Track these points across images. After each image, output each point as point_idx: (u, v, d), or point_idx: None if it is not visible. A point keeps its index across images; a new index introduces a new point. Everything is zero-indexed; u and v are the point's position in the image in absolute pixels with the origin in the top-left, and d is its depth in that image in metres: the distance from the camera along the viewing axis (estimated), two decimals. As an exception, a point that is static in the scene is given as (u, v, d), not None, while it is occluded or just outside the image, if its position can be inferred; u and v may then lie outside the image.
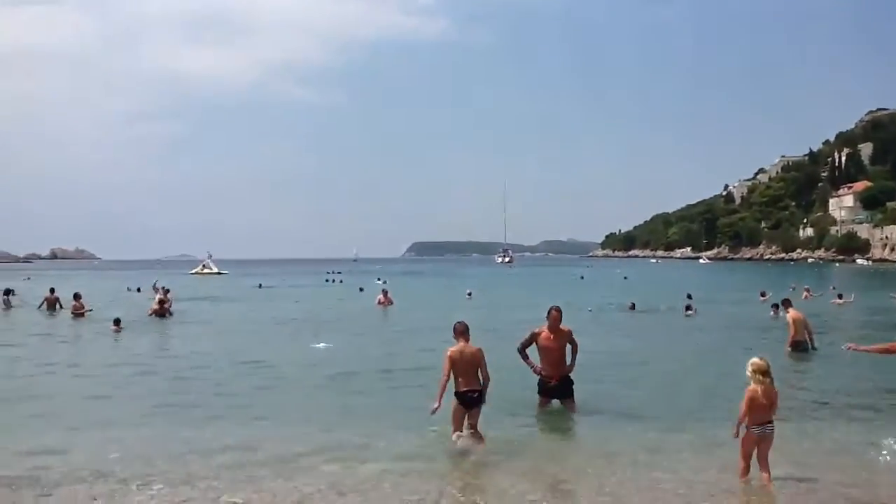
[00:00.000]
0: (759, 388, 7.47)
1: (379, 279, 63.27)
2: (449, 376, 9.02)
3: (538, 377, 11.00)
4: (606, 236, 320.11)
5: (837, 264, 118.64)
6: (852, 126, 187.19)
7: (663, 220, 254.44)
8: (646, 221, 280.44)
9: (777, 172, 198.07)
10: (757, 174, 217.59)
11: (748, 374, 7.56)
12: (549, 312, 10.90)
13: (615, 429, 10.24)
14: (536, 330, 10.95)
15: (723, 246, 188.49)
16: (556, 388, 10.94)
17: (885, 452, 8.75)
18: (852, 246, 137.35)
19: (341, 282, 66.24)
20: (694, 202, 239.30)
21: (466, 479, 8.07)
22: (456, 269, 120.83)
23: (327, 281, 67.64)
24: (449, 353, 9.12)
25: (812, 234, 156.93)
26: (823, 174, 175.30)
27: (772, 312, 25.97)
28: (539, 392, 11.09)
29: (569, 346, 10.93)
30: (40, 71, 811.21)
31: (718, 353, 18.10)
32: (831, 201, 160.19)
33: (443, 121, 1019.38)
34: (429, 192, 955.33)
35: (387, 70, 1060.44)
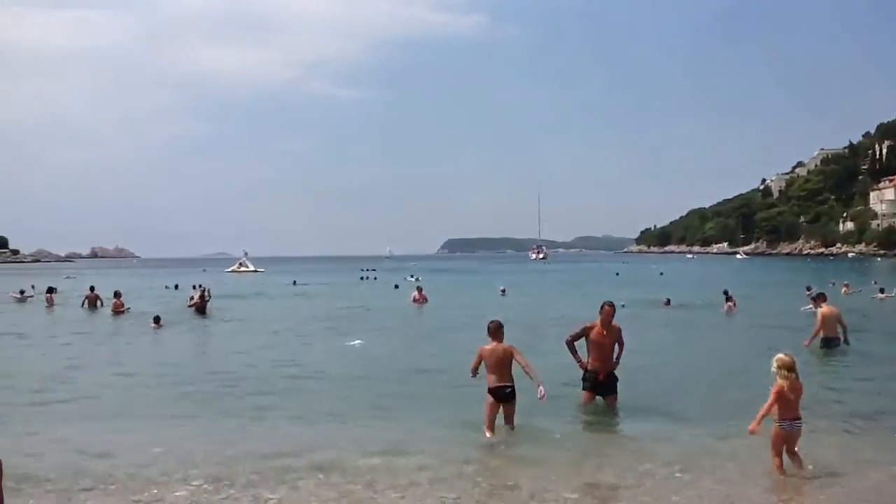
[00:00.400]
0: (785, 384, 7.52)
1: (412, 276, 63.41)
2: (476, 369, 9.42)
3: (584, 372, 10.94)
4: (641, 232, 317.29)
5: (879, 259, 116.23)
6: (893, 117, 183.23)
7: (699, 216, 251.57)
8: (681, 217, 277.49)
9: (816, 165, 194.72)
10: (795, 168, 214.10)
11: (773, 369, 7.64)
12: (601, 308, 10.86)
13: (654, 427, 10.15)
14: (589, 324, 10.90)
15: (760, 241, 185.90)
16: (603, 383, 10.88)
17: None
18: (894, 240, 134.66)
19: (375, 279, 66.48)
20: (730, 197, 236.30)
21: (503, 475, 8.05)
22: (489, 266, 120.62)
23: (362, 278, 67.92)
24: (480, 349, 9.48)
25: (852, 228, 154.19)
26: (864, 167, 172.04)
27: (811, 306, 25.53)
28: (584, 387, 11.00)
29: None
30: (80, 72, 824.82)
31: (756, 349, 17.81)
32: (872, 194, 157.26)
33: (476, 117, 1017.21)
34: (462, 189, 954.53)
35: (419, 66, 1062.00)
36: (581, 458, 8.90)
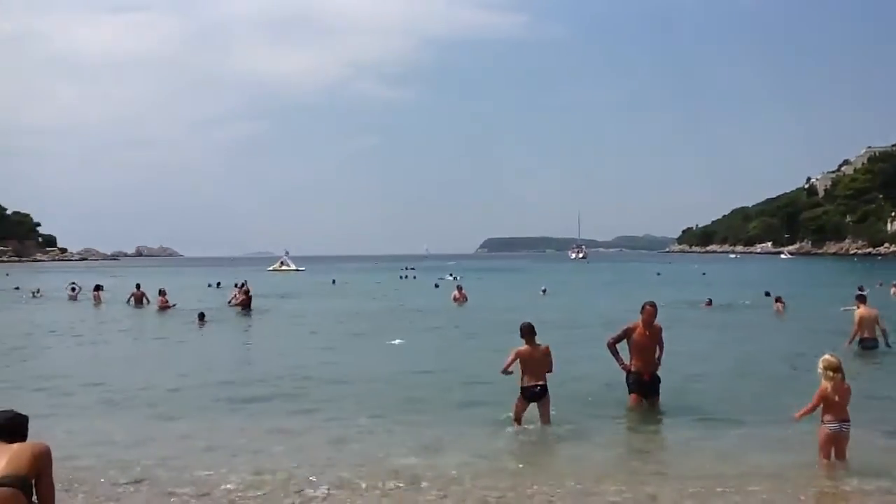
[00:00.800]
0: (829, 385, 7.47)
1: (451, 275, 63.45)
2: (509, 367, 9.63)
3: (627, 374, 10.79)
4: (683, 231, 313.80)
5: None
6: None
7: (742, 215, 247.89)
8: (724, 216, 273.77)
9: (863, 164, 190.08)
10: (841, 166, 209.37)
11: (819, 370, 7.60)
12: (643, 308, 10.72)
13: (698, 428, 10.00)
14: (630, 325, 10.74)
15: (805, 241, 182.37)
16: (648, 384, 10.78)
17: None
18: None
19: (415, 278, 66.64)
20: (774, 196, 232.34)
21: (546, 475, 7.99)
22: (529, 266, 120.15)
23: (401, 277, 68.13)
24: (517, 350, 9.66)
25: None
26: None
27: (856, 306, 24.97)
28: (630, 390, 10.84)
29: None
30: (131, 75, 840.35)
31: (800, 350, 17.48)
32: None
33: (518, 116, 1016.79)
34: (503, 188, 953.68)
35: (464, 66, 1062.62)
36: (625, 457, 8.86)
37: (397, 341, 19.74)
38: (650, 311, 10.66)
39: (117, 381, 14.01)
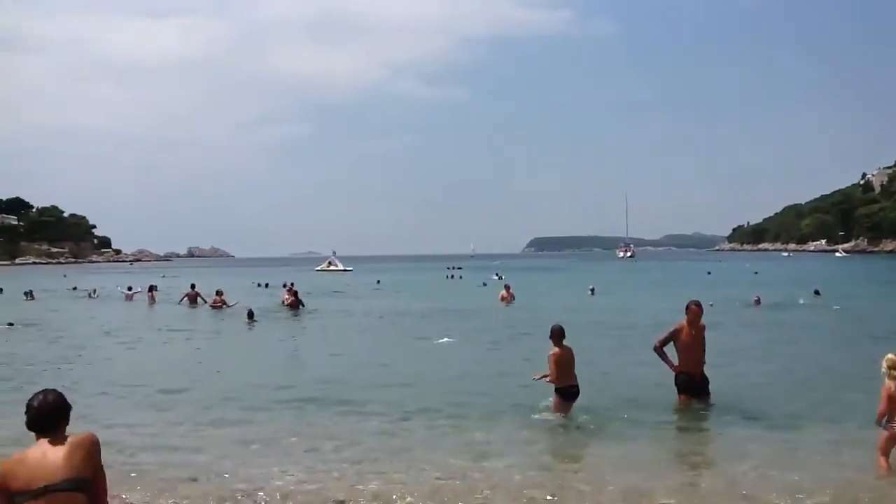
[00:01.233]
0: (892, 385, 7.32)
1: (497, 275, 63.36)
2: (557, 372, 10.16)
3: (676, 375, 10.68)
4: (734, 229, 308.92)
5: None
6: None
7: (795, 212, 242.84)
8: (776, 213, 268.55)
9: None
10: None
11: (883, 370, 7.45)
12: (687, 307, 10.60)
13: (748, 428, 9.84)
14: (677, 327, 10.64)
15: (861, 238, 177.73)
16: (698, 384, 10.65)
17: None
18: None
19: (461, 277, 66.74)
20: (829, 192, 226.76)
21: (595, 476, 7.94)
22: (577, 265, 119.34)
23: (448, 277, 68.26)
24: (555, 355, 10.21)
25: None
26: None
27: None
28: (680, 390, 10.73)
29: None
30: (177, 79, 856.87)
31: (852, 351, 17.10)
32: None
33: (563, 114, 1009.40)
34: (549, 187, 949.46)
35: (507, 64, 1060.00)
36: (674, 458, 8.79)
37: (445, 340, 19.79)
38: (695, 310, 10.52)
39: (171, 380, 14.29)
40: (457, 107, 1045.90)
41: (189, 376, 15.00)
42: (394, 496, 7.28)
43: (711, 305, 28.92)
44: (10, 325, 24.68)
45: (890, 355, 7.47)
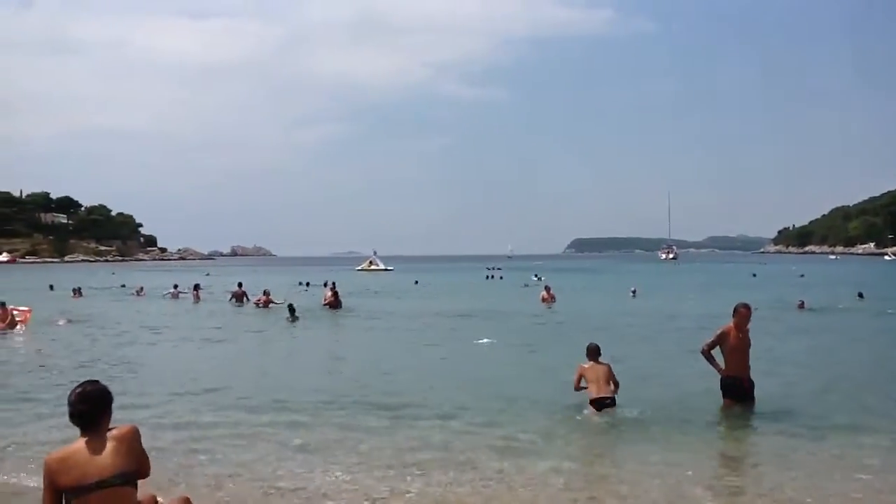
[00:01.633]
0: None
1: (536, 276, 63.18)
2: (577, 384, 10.87)
3: (723, 379, 10.51)
4: (779, 231, 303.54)
5: None
6: None
7: (842, 214, 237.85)
8: (823, 215, 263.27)
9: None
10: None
11: None
12: (735, 310, 10.44)
13: (793, 434, 9.65)
14: (724, 329, 10.45)
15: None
16: (746, 389, 10.49)
17: None
18: None
19: (501, 278, 66.62)
20: (878, 194, 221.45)
21: (637, 479, 7.85)
22: (618, 266, 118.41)
23: (487, 277, 68.21)
24: (580, 367, 10.97)
25: None
26: None
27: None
28: (725, 394, 10.56)
29: None
30: (220, 80, 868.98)
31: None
32: None
33: (605, 114, 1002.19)
34: (590, 188, 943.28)
35: (547, 64, 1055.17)
36: (718, 462, 8.68)
37: (485, 341, 19.76)
38: (744, 312, 10.36)
39: (215, 379, 14.47)
40: (496, 107, 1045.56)
41: (232, 375, 15.18)
42: (435, 497, 7.30)
43: (756, 309, 28.42)
44: (69, 321, 25.34)
45: None
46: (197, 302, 36.28)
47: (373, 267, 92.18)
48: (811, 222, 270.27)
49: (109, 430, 4.46)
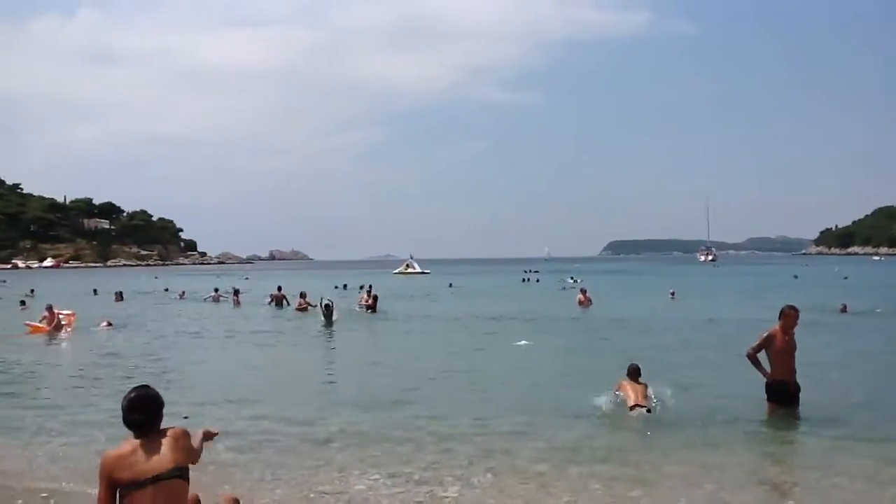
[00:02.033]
0: None
1: (572, 278, 62.87)
2: (614, 393, 11.24)
3: (769, 382, 10.31)
4: (821, 232, 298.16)
5: None
6: None
7: (887, 214, 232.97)
8: (866, 216, 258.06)
9: None
10: None
11: None
12: (782, 312, 10.27)
13: (838, 439, 9.45)
14: (770, 332, 10.26)
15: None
16: (792, 394, 10.31)
17: None
18: None
19: (538, 280, 66.37)
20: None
21: (680, 484, 7.76)
22: (656, 268, 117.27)
23: (524, 280, 68.03)
24: (620, 382, 11.30)
25: None
26: None
27: None
28: (770, 398, 10.38)
29: None
30: (258, 87, 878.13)
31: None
32: None
33: (640, 116, 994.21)
34: (627, 190, 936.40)
35: (583, 67, 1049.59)
36: (762, 467, 8.53)
37: (523, 343, 19.70)
38: (792, 314, 10.18)
39: (255, 381, 14.66)
40: (532, 110, 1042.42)
41: (271, 378, 15.33)
42: (475, 498, 7.28)
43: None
44: (110, 324, 25.80)
45: None
46: (237, 306, 36.77)
47: (409, 270, 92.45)
48: (854, 223, 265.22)
49: (164, 430, 4.72)
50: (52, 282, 74.47)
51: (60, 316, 24.83)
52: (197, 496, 5.00)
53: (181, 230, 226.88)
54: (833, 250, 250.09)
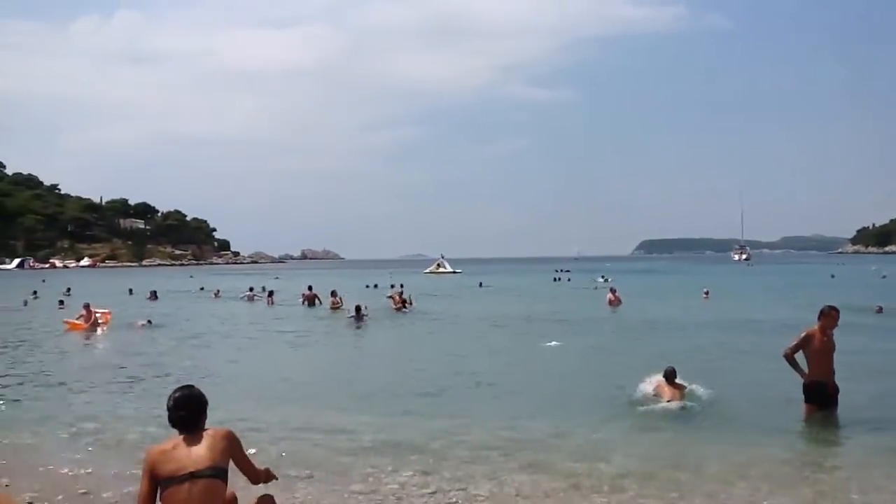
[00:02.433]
0: None
1: (602, 277, 62.52)
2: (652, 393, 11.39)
3: (807, 384, 10.14)
4: (858, 231, 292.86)
5: None
6: None
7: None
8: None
9: None
10: None
11: None
12: (822, 312, 10.09)
13: (878, 440, 9.34)
14: (809, 332, 10.08)
15: None
16: (831, 394, 10.16)
17: None
18: None
19: (569, 280, 66.10)
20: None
21: (713, 485, 7.68)
22: (689, 267, 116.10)
23: (555, 279, 67.77)
24: (659, 384, 11.54)
25: None
26: None
27: None
28: (808, 399, 10.22)
29: None
30: (294, 87, 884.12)
31: None
32: None
33: (675, 113, 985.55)
34: (659, 188, 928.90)
35: (616, 64, 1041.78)
36: (798, 469, 8.42)
37: (553, 343, 19.64)
38: (834, 315, 9.99)
39: (289, 380, 14.77)
40: (565, 108, 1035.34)
41: (304, 377, 15.45)
42: (506, 498, 7.28)
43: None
44: (149, 322, 26.26)
45: None
46: (271, 305, 37.22)
47: (440, 270, 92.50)
48: (892, 221, 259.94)
49: (205, 429, 4.89)
50: (88, 281, 75.75)
51: (97, 314, 25.33)
52: (234, 494, 5.08)
53: (214, 230, 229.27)
54: (870, 249, 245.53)
